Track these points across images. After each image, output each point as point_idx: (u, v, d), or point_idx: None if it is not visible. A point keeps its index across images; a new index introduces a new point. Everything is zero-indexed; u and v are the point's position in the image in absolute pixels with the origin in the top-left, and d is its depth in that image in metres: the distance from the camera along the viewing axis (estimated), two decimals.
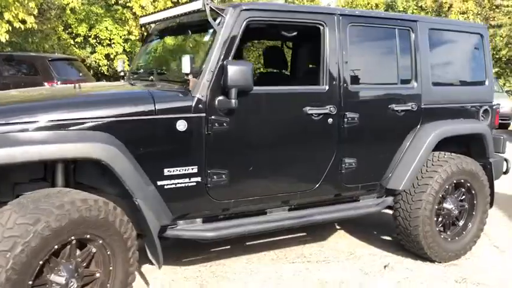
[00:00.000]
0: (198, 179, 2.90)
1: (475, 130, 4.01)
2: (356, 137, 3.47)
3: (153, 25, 3.97)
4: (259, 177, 3.15)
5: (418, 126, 3.75)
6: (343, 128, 3.38)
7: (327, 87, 3.30)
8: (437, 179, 3.71)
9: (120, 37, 19.34)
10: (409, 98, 3.69)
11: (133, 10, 16.01)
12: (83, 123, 2.57)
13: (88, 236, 2.47)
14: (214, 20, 2.96)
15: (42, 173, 2.70)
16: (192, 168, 2.88)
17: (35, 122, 2.47)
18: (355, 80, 3.44)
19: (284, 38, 4.02)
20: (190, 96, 2.85)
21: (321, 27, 3.28)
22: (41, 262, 2.27)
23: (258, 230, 3.20)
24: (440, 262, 3.87)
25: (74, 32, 17.97)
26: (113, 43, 19.11)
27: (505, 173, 4.39)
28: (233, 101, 2.83)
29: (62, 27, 18.18)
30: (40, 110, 2.55)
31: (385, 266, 3.80)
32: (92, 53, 18.90)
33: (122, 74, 4.03)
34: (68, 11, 17.24)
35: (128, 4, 16.66)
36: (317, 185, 3.37)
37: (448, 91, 3.98)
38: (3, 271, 2.13)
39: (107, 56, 18.89)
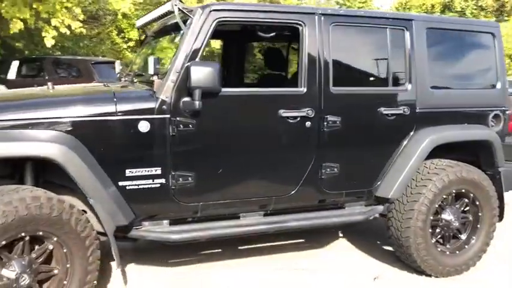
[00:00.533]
0: (162, 180, 2.89)
1: (479, 137, 3.71)
2: (338, 142, 3.31)
3: (149, 27, 4.03)
4: (229, 181, 3.08)
5: (412, 132, 3.52)
6: (323, 131, 3.24)
7: (305, 90, 3.17)
8: (432, 188, 3.46)
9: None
10: (402, 101, 3.47)
11: None
12: (42, 123, 2.63)
13: (41, 233, 2.53)
14: (184, 21, 2.95)
15: (9, 171, 2.79)
16: (156, 170, 2.86)
17: None
18: (338, 82, 3.28)
19: (262, 39, 3.91)
20: (155, 97, 2.85)
21: (300, 27, 3.17)
22: None
23: (227, 234, 3.12)
24: (437, 277, 3.62)
25: (126, 36, 18.69)
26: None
27: None
28: (197, 102, 2.79)
29: (116, 32, 18.97)
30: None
31: (374, 278, 3.61)
32: (148, 55, 19.66)
33: (118, 75, 4.10)
34: (120, 16, 17.93)
35: None
36: (294, 191, 3.24)
37: (450, 95, 3.72)
38: None
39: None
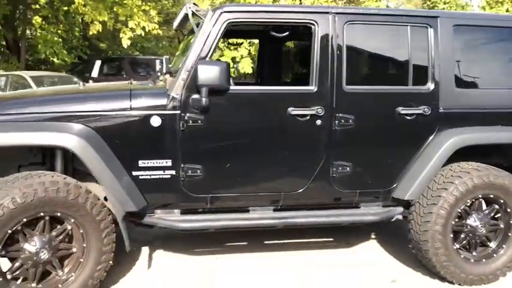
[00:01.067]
0: (173, 172, 3.09)
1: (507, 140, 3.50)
2: (351, 141, 3.30)
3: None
4: (237, 176, 3.21)
5: (435, 132, 3.41)
6: (335, 130, 3.25)
7: (316, 88, 3.21)
8: (453, 191, 3.32)
9: (247, 40, 20.37)
10: (422, 100, 3.38)
11: None
12: (65, 117, 2.95)
13: (58, 214, 2.84)
14: (197, 23, 3.12)
15: (40, 158, 3.15)
16: (166, 162, 3.08)
17: (24, 114, 2.93)
18: (352, 80, 3.27)
19: (275, 39, 3.95)
20: (166, 94, 3.06)
21: (313, 27, 3.21)
22: (9, 231, 2.70)
23: (234, 226, 3.25)
24: (460, 284, 3.48)
25: None
26: (239, 46, 20.19)
27: None
28: (204, 99, 2.96)
29: None
30: (29, 105, 3.01)
31: (392, 281, 3.55)
32: (220, 56, 20.32)
33: (158, 74, 4.38)
34: None
35: None
36: (303, 188, 3.29)
37: (480, 94, 3.53)
38: None
39: (233, 59, 20.02)
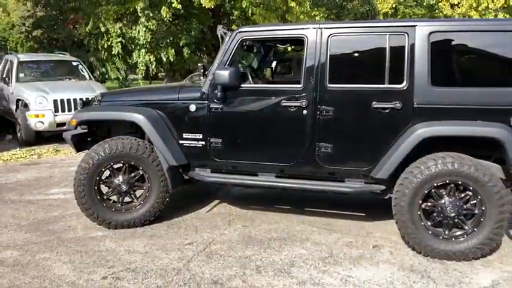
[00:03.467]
0: (203, 143, 4.55)
1: (483, 133, 3.82)
2: (331, 127, 4.20)
3: None
4: (246, 149, 4.48)
5: (409, 124, 4.01)
6: (319, 118, 4.21)
7: (302, 86, 4.23)
8: (417, 175, 3.91)
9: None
10: (396, 97, 4.02)
11: None
12: (143, 103, 4.71)
13: (132, 163, 4.60)
14: (222, 40, 4.50)
15: (134, 129, 4.96)
16: (199, 135, 4.55)
17: (121, 100, 4.81)
18: (334, 80, 4.17)
19: (277, 49, 4.87)
20: (200, 90, 4.52)
21: (304, 39, 4.24)
22: (103, 169, 4.56)
23: (244, 184, 4.58)
24: (425, 255, 4.01)
25: None
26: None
27: None
28: (219, 93, 4.35)
29: None
30: (128, 96, 4.87)
31: (373, 246, 4.29)
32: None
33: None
34: (381, 17, 19.18)
35: None
36: (294, 162, 4.35)
37: (456, 92, 3.95)
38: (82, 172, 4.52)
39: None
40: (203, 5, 12.66)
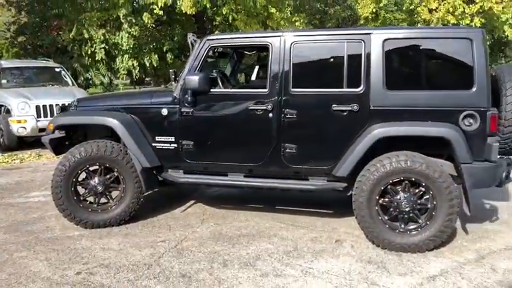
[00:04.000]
0: (175, 145, 4.78)
1: (433, 133, 4.12)
2: (295, 129, 4.46)
3: None
4: (215, 150, 4.71)
5: (367, 125, 4.29)
6: (284, 121, 4.46)
7: (268, 91, 4.49)
8: (374, 172, 4.19)
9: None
10: (354, 100, 4.30)
11: None
12: (116, 108, 4.93)
13: (107, 165, 4.81)
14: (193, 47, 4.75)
15: (109, 132, 5.16)
16: (171, 138, 4.78)
17: (96, 105, 5.03)
18: (297, 85, 4.44)
19: (245, 56, 5.15)
20: (172, 95, 4.76)
21: (269, 46, 4.50)
22: (79, 171, 4.77)
23: (214, 184, 4.82)
24: (383, 248, 4.28)
25: None
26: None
27: (499, 185, 4.17)
28: (189, 98, 4.59)
29: None
30: (103, 101, 5.09)
31: (335, 240, 4.55)
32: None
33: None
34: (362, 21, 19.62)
35: None
36: (262, 162, 4.60)
37: (409, 95, 4.24)
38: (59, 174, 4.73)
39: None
40: (185, 12, 12.90)
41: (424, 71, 4.35)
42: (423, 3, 20.07)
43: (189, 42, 4.80)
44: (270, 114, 4.49)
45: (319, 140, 4.47)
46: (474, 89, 4.12)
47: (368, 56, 4.28)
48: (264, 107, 4.49)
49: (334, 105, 4.35)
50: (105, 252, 4.26)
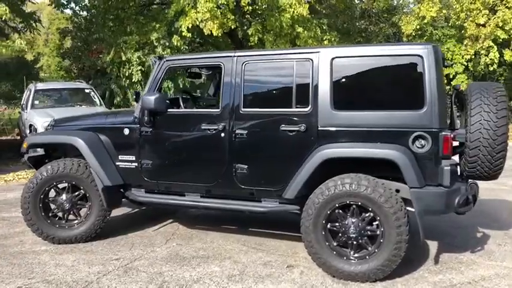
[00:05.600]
0: (136, 164, 4.85)
1: (379, 155, 3.89)
2: (245, 149, 4.39)
3: None
4: (173, 170, 4.73)
5: (315, 146, 4.13)
6: (234, 141, 4.41)
7: (220, 110, 4.46)
8: (319, 196, 4.02)
9: (462, 57, 19.71)
10: (302, 120, 4.17)
11: None
12: (85, 128, 5.10)
13: (74, 183, 4.97)
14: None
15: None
16: (132, 157, 4.86)
17: (70, 125, 5.22)
18: (248, 104, 4.38)
19: (200, 75, 5.13)
20: (133, 115, 4.85)
21: (221, 66, 4.49)
22: (47, 188, 4.95)
23: (171, 204, 4.82)
24: (334, 276, 4.05)
25: None
26: (454, 63, 19.80)
27: (458, 212, 3.87)
28: (146, 118, 4.66)
29: None
30: (76, 120, 5.28)
31: (287, 266, 4.38)
32: None
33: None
34: None
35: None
36: (215, 182, 4.55)
37: (357, 115, 4.05)
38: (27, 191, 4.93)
39: (447, 76, 19.65)
40: (213, 33, 13.19)
41: (373, 90, 4.14)
42: (470, 19, 19.19)
43: (151, 64, 4.89)
44: (222, 134, 4.45)
45: (268, 161, 4.36)
46: (425, 109, 3.87)
47: (316, 75, 4.15)
48: (216, 127, 4.46)
49: (282, 126, 4.24)
50: (57, 268, 4.36)
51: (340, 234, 4.05)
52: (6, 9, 11.90)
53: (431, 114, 3.85)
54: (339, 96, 4.10)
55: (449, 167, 3.80)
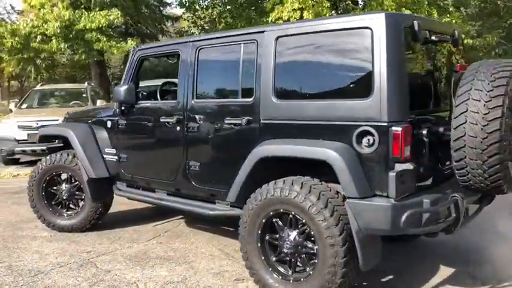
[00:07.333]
0: (116, 157, 4.77)
1: (311, 155, 3.12)
2: (197, 145, 3.97)
3: None
4: (142, 164, 4.52)
5: (257, 142, 3.52)
6: (187, 135, 4.02)
7: (177, 101, 4.10)
8: (253, 201, 3.42)
9: None
10: (246, 112, 3.59)
11: None
12: (80, 119, 5.20)
13: (70, 173, 5.11)
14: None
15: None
16: (113, 150, 4.78)
17: (78, 118, 5.38)
18: (199, 95, 3.93)
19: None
20: (114, 107, 4.78)
21: (179, 54, 4.12)
22: (48, 177, 5.17)
23: (141, 200, 4.62)
24: None
25: None
26: None
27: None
28: (117, 110, 4.55)
29: None
30: (83, 113, 5.44)
31: (235, 279, 3.84)
32: None
33: None
34: None
35: None
36: (174, 180, 4.21)
37: (298, 106, 3.32)
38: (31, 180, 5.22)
39: None
40: None
41: (317, 76, 3.33)
42: None
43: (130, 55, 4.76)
44: (178, 128, 4.09)
45: (216, 159, 3.89)
46: (371, 98, 2.98)
47: (260, 59, 3.53)
48: (172, 120, 4.13)
49: (227, 118, 3.72)
50: (32, 255, 4.52)
51: (278, 249, 3.39)
52: (118, 14, 13.08)
53: (379, 104, 2.95)
54: (281, 83, 3.42)
55: (396, 173, 2.87)
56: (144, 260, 4.31)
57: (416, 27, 3.09)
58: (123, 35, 16.55)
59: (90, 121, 5.10)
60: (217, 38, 3.92)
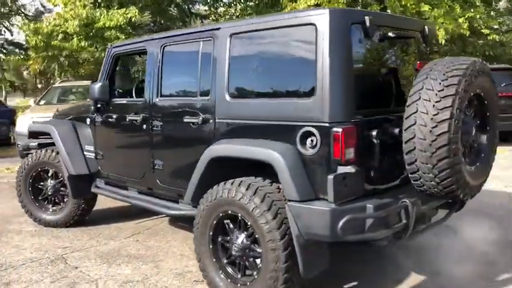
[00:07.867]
0: (94, 154, 4.80)
1: (254, 156, 3.03)
2: (161, 144, 3.93)
3: None
4: (114, 162, 4.53)
5: (212, 143, 3.45)
6: (152, 133, 3.99)
7: (142, 100, 4.08)
8: (204, 202, 3.36)
9: None
10: (202, 111, 3.53)
11: None
12: (66, 116, 5.26)
13: (54, 170, 5.19)
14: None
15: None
16: (91, 147, 4.82)
17: (65, 115, 5.44)
18: (162, 93, 3.90)
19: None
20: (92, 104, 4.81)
21: (146, 51, 4.10)
22: (34, 173, 5.27)
23: (115, 198, 4.60)
24: None
25: None
26: None
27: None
28: (92, 107, 4.58)
29: None
30: (70, 110, 5.49)
31: (195, 281, 3.79)
32: None
33: None
34: None
35: None
36: (142, 178, 4.19)
37: (247, 105, 3.24)
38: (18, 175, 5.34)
39: None
40: None
41: (266, 74, 3.22)
42: None
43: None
44: (144, 126, 4.07)
45: (176, 158, 3.85)
46: (314, 97, 2.86)
47: (216, 56, 3.45)
48: (138, 118, 4.11)
49: (185, 117, 3.66)
50: (10, 249, 4.62)
51: (229, 251, 3.31)
52: (136, 12, 13.24)
53: (321, 104, 2.82)
54: (234, 82, 3.34)
55: (334, 176, 2.73)
56: (114, 257, 4.32)
57: (368, 23, 2.93)
58: (153, 33, 16.75)
59: (74, 118, 5.15)
60: (179, 35, 3.87)
